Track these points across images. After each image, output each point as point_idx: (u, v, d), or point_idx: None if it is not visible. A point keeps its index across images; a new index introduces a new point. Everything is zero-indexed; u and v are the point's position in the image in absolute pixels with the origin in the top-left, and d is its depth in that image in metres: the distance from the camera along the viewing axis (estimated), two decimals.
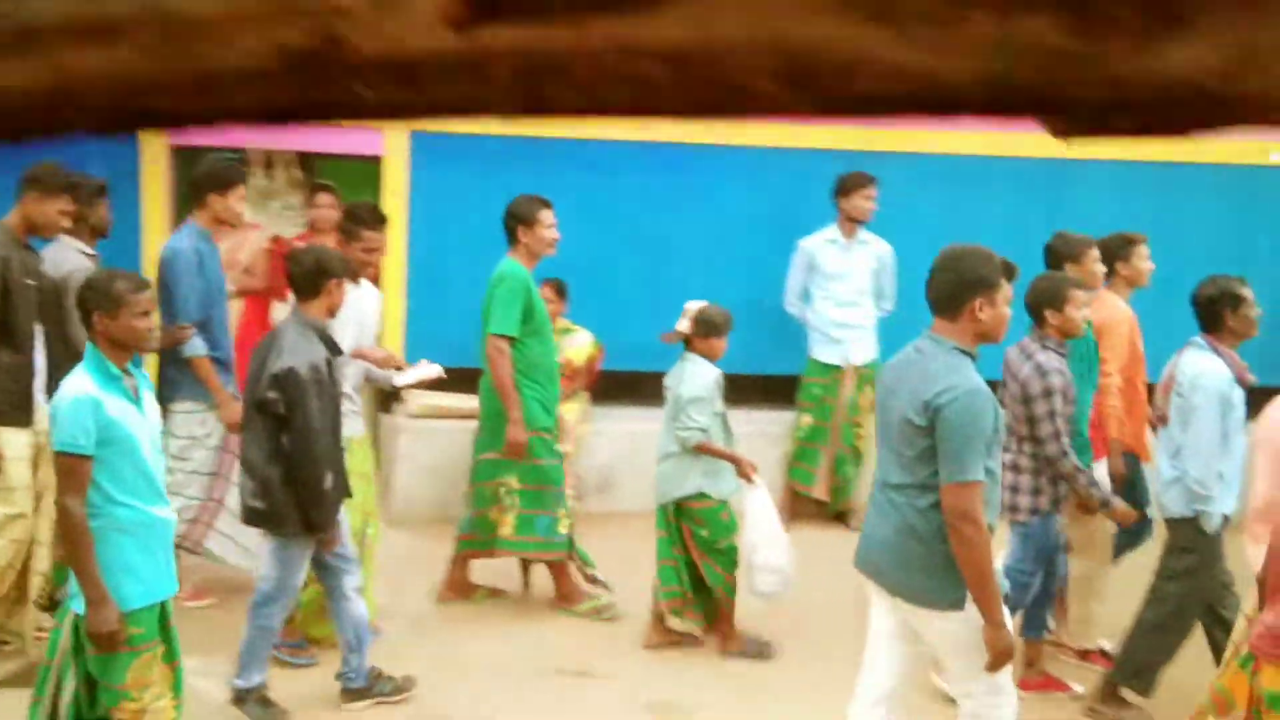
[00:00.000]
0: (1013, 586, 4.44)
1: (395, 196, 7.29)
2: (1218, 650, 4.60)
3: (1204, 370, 4.64)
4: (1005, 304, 3.57)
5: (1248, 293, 4.78)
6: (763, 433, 7.36)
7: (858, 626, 5.53)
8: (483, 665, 5.09)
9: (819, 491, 7.24)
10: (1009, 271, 3.64)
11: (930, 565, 3.50)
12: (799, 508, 7.14)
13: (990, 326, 3.54)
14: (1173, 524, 4.78)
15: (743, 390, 8.09)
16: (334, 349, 4.53)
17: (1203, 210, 7.79)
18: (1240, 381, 4.70)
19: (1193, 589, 4.69)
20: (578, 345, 7.12)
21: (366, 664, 4.65)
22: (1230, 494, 4.72)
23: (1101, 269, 5.39)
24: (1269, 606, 3.43)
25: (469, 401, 7.02)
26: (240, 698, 4.51)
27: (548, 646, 5.35)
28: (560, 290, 7.17)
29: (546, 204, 5.59)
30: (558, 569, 5.73)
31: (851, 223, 7.00)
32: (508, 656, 5.17)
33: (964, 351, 3.52)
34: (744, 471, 5.23)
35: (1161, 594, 4.77)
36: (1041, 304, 4.76)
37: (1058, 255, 5.45)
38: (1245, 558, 4.05)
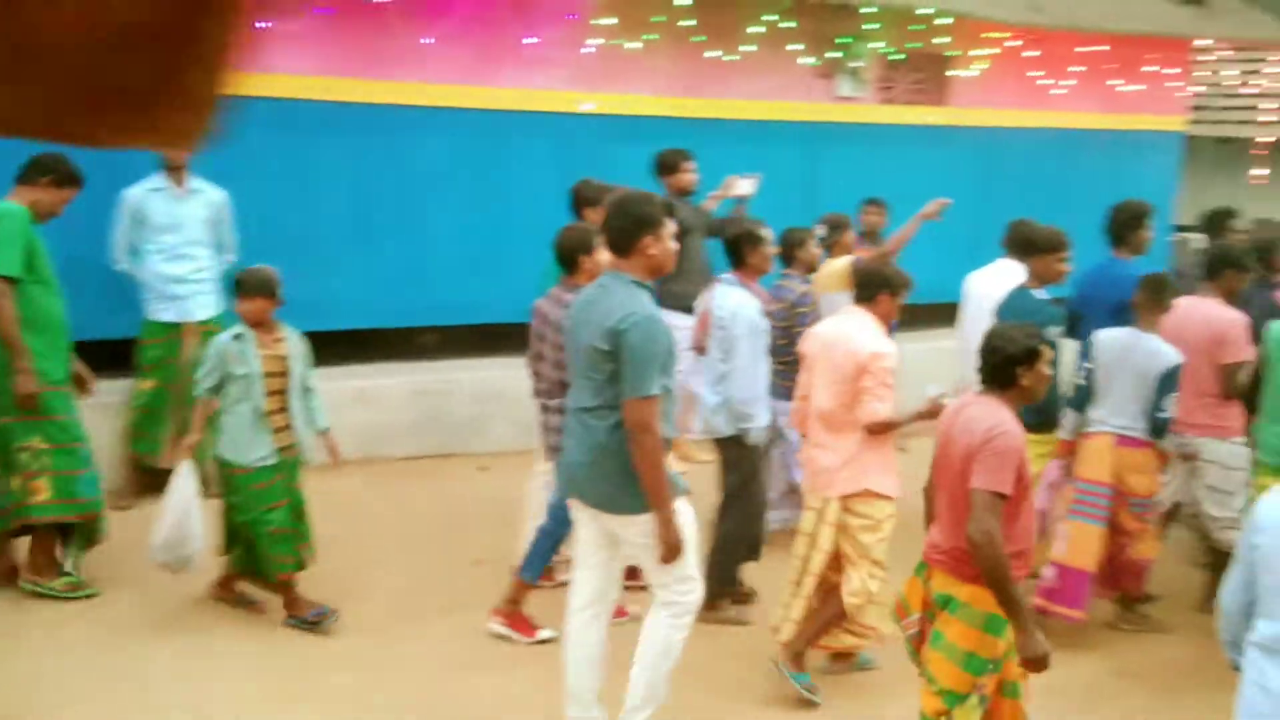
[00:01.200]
0: (559, 523, 4.98)
1: None
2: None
3: (740, 303, 5.21)
4: (670, 239, 3.99)
5: (766, 233, 5.38)
6: (100, 404, 6.68)
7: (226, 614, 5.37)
8: None
9: (166, 461, 6.74)
10: (669, 209, 4.06)
11: (624, 476, 3.88)
12: (146, 481, 6.58)
13: (660, 259, 3.96)
14: (722, 443, 5.35)
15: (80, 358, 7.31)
16: None
17: (518, 153, 8.29)
18: (766, 312, 5.31)
19: (750, 495, 5.37)
20: None
21: None
22: (765, 410, 5.34)
23: None
24: (936, 523, 3.82)
25: None
26: None
27: None
28: None
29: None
30: (40, 540, 5.30)
31: (177, 170, 6.51)
32: None
33: (640, 284, 3.94)
34: (179, 446, 5.19)
35: (729, 507, 5.37)
36: (576, 251, 5.07)
37: (583, 200, 5.83)
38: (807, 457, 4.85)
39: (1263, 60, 12.35)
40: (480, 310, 8.34)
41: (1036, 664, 3.51)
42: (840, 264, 6.44)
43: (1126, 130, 10.91)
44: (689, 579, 4.08)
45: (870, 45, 9.19)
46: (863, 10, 8.76)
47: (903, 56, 9.53)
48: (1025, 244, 5.93)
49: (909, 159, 9.65)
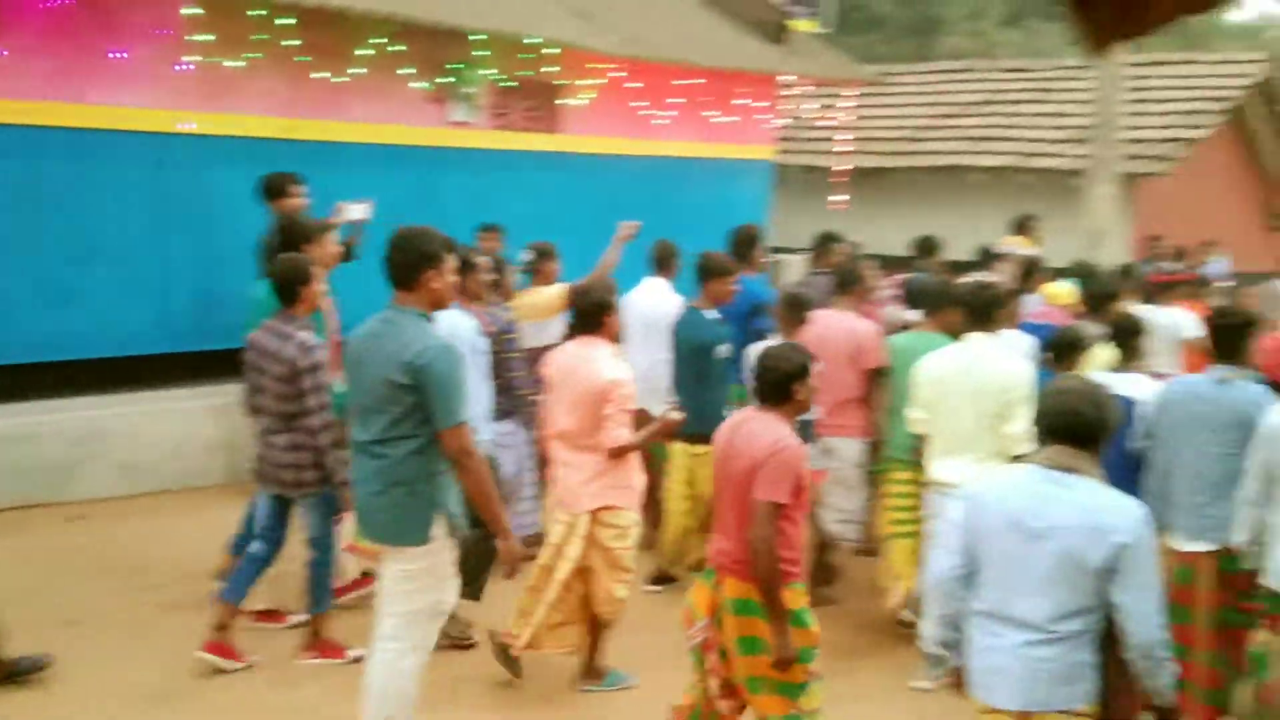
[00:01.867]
0: (271, 545, 5.09)
1: None
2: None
3: (456, 323, 5.25)
4: (451, 274, 4.12)
5: (482, 260, 5.46)
6: None
7: None
8: None
9: None
10: (450, 246, 4.12)
11: (410, 507, 3.96)
12: None
13: (442, 293, 4.08)
14: None
15: None
16: None
17: (107, 175, 7.73)
18: (484, 332, 5.45)
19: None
20: None
21: None
22: (488, 426, 5.47)
23: (336, 249, 6.12)
24: (724, 532, 4.03)
25: None
26: None
27: None
28: None
29: None
30: None
31: None
32: None
33: (425, 316, 4.03)
34: None
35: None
36: (295, 282, 5.04)
37: (299, 236, 5.82)
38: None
39: (838, 95, 13.60)
40: (69, 346, 7.66)
41: (785, 664, 3.85)
42: (550, 292, 6.58)
43: (723, 159, 11.68)
44: (425, 614, 4.09)
45: (481, 72, 9.30)
46: (472, 37, 8.85)
47: (514, 84, 9.72)
48: (706, 268, 6.30)
49: (525, 184, 9.85)
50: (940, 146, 14.64)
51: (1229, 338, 4.79)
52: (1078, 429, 3.26)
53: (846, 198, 13.61)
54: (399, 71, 8.77)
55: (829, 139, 14.20)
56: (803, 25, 12.76)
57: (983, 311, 5.29)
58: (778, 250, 12.46)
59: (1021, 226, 10.12)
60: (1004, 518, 3.28)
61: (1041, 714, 3.24)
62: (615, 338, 5.06)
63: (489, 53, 9.13)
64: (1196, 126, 13.45)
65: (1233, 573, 4.60)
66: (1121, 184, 12.22)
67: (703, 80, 10.99)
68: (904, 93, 16.34)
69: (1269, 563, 4.30)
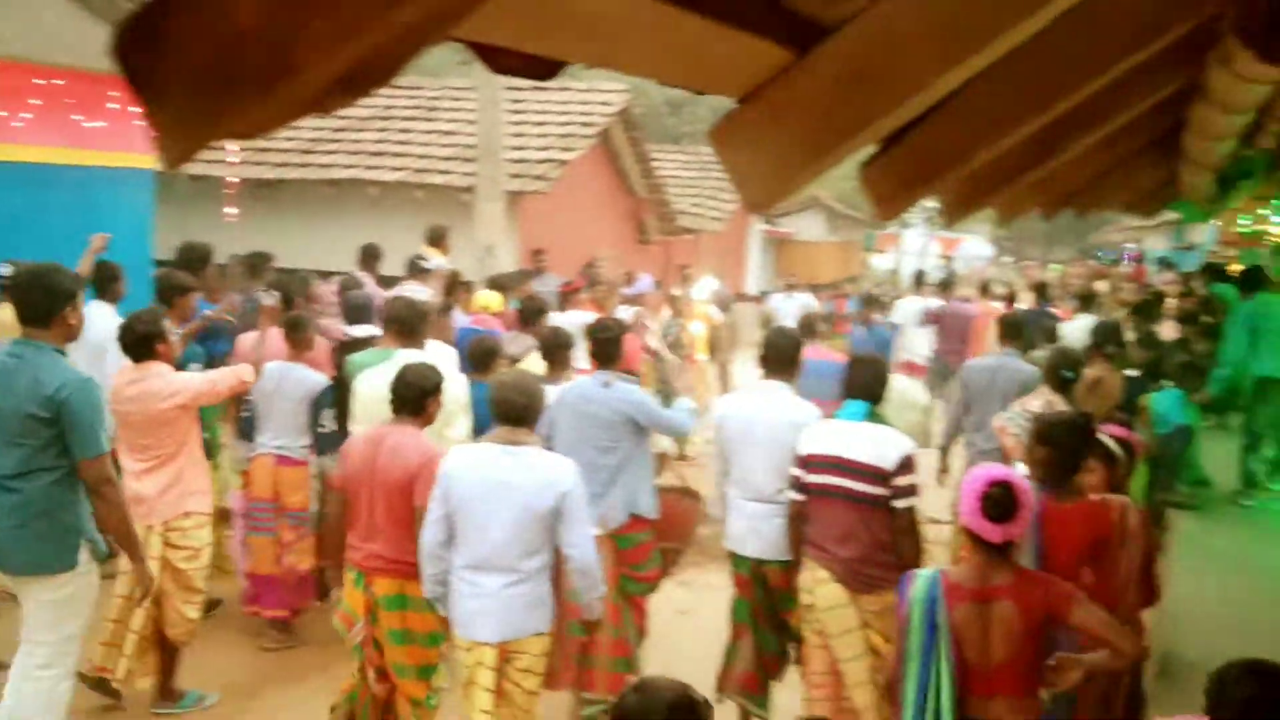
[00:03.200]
0: None
1: None
2: None
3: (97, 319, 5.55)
4: (84, 306, 4.30)
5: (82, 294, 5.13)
6: None
7: None
8: None
9: None
10: (80, 281, 4.29)
11: (52, 536, 4.10)
12: None
13: (77, 328, 4.25)
14: None
15: None
16: None
17: None
18: None
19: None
20: None
21: None
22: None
23: None
24: (370, 538, 4.43)
25: None
26: None
27: None
28: None
29: None
30: None
31: None
32: None
33: (60, 351, 4.16)
34: None
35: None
36: None
37: None
38: None
39: None
40: None
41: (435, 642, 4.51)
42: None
43: (97, 166, 10.78)
44: (75, 638, 4.30)
45: None
46: None
47: None
48: (168, 287, 6.23)
49: None
50: (336, 160, 14.61)
51: (605, 346, 5.52)
52: (514, 412, 4.12)
53: (237, 210, 13.14)
54: None
55: (219, 148, 13.64)
56: None
57: (412, 327, 5.91)
58: (161, 264, 11.77)
59: (435, 239, 10.45)
60: (472, 487, 4.02)
61: (518, 640, 4.05)
62: (170, 357, 5.28)
63: None
64: (570, 149, 14.62)
65: (628, 549, 5.34)
66: (507, 200, 12.98)
67: (63, 81, 10.05)
68: None
69: (727, 528, 5.26)
